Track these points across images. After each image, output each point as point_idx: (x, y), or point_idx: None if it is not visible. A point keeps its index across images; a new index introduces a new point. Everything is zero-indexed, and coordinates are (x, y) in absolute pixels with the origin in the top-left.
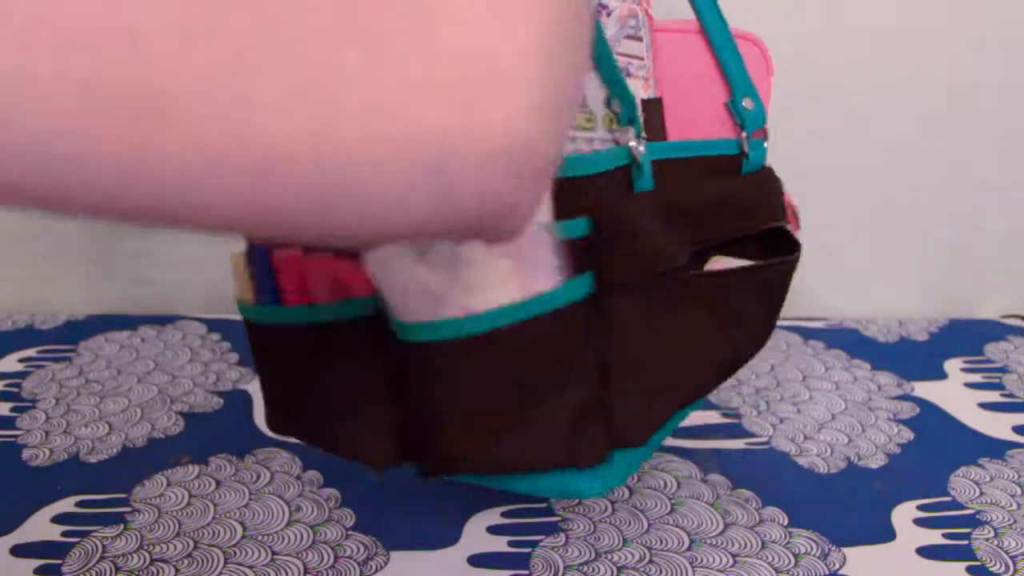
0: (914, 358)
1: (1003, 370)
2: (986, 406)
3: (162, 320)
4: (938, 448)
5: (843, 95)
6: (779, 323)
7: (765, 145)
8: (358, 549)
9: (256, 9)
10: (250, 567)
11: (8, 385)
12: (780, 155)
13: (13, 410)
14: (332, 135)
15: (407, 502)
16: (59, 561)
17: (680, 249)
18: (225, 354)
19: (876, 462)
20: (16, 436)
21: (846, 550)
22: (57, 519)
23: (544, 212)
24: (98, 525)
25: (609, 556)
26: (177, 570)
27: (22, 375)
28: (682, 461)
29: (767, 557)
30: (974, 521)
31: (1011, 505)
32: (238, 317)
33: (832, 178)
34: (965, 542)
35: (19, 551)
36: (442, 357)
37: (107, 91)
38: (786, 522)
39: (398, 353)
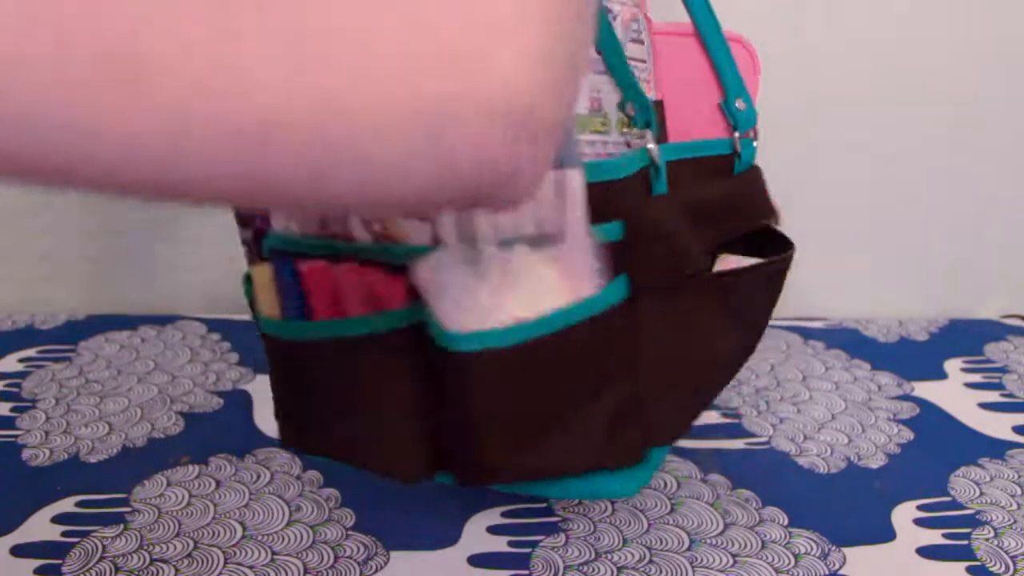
0: (914, 358)
1: (1003, 370)
2: (986, 406)
3: (162, 320)
4: (938, 448)
5: (844, 106)
6: (779, 323)
7: (755, 144)
8: (358, 549)
9: None
10: (250, 567)
11: (8, 385)
12: (783, 162)
13: (13, 410)
14: (332, 103)
15: (407, 502)
16: (59, 561)
17: (702, 250)
18: (225, 354)
19: (876, 462)
20: (16, 436)
21: (846, 550)
22: (57, 519)
23: (582, 215)
24: (98, 525)
25: (609, 556)
26: (177, 570)
27: (22, 375)
28: (682, 461)
29: (767, 557)
30: (974, 521)
31: (1011, 505)
32: (238, 317)
33: (833, 180)
34: (965, 542)
35: (19, 551)
36: (489, 366)
37: (81, 56)
38: (786, 522)
39: (439, 364)
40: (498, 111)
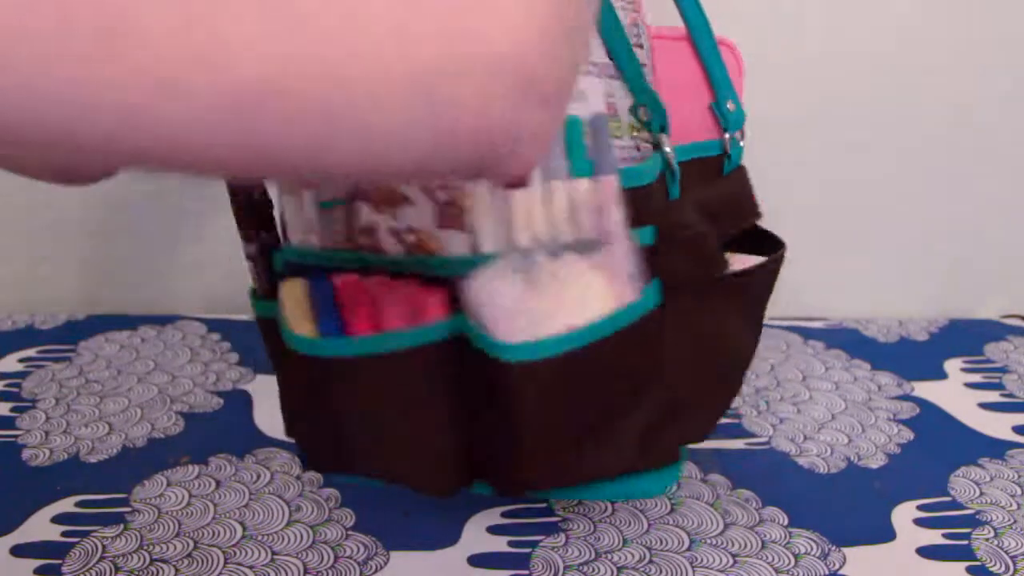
0: (914, 358)
1: (1003, 370)
2: (986, 406)
3: (162, 320)
4: (938, 448)
5: (844, 106)
6: (779, 323)
7: (741, 144)
8: (358, 549)
9: None
10: (250, 567)
11: (8, 385)
12: (784, 162)
13: (13, 410)
14: (332, 72)
15: (407, 502)
16: (59, 561)
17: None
18: (225, 354)
19: (876, 462)
20: (16, 436)
21: (846, 550)
22: (57, 519)
23: (623, 220)
24: (98, 525)
25: (609, 556)
26: (177, 570)
27: (22, 375)
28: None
29: (767, 557)
30: (974, 521)
31: (1011, 505)
32: (238, 317)
33: (833, 180)
34: (965, 542)
35: (19, 551)
36: (541, 375)
37: (84, 30)
38: (786, 522)
39: (485, 375)
40: (501, 70)
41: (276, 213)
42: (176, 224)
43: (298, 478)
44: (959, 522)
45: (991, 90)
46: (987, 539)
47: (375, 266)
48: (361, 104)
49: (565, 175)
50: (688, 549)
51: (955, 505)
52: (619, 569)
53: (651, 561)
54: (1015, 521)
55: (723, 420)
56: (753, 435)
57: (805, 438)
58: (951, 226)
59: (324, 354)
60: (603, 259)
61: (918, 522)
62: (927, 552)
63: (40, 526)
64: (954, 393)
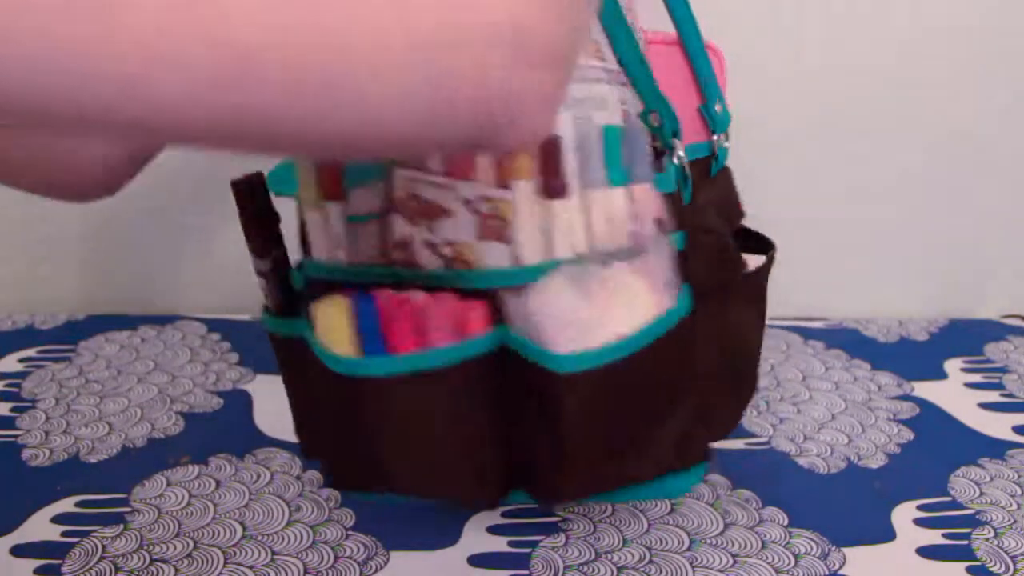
0: (914, 358)
1: (1003, 370)
2: (986, 406)
3: (162, 320)
4: (938, 448)
5: (844, 106)
6: (779, 323)
7: (726, 145)
8: (358, 549)
9: None
10: (250, 567)
11: (8, 385)
12: (785, 163)
13: (13, 410)
14: (331, 40)
15: (407, 502)
16: (59, 561)
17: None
18: (225, 354)
19: (876, 462)
20: (16, 436)
21: (846, 550)
22: (57, 519)
23: (659, 225)
24: (98, 525)
25: (609, 556)
26: (177, 570)
27: (22, 375)
28: None
29: (767, 557)
30: (974, 521)
31: (1011, 505)
32: (238, 317)
33: (833, 180)
34: (965, 542)
35: (19, 551)
36: (591, 384)
37: (83, 4)
38: (786, 522)
39: (531, 386)
40: (499, 40)
41: (286, 228)
42: (176, 224)
43: (298, 478)
44: (959, 522)
45: (990, 103)
46: (987, 539)
47: (409, 281)
48: (360, 73)
49: (604, 184)
50: (688, 549)
51: (955, 505)
52: (619, 569)
53: (651, 561)
54: (1015, 521)
55: None
56: (753, 435)
57: (805, 438)
58: (951, 227)
59: (367, 373)
60: (644, 266)
61: (918, 522)
62: (927, 552)
63: (40, 526)
64: (954, 393)
